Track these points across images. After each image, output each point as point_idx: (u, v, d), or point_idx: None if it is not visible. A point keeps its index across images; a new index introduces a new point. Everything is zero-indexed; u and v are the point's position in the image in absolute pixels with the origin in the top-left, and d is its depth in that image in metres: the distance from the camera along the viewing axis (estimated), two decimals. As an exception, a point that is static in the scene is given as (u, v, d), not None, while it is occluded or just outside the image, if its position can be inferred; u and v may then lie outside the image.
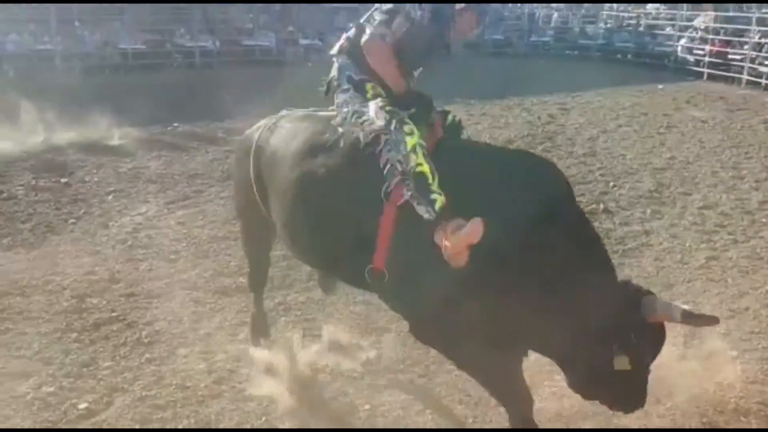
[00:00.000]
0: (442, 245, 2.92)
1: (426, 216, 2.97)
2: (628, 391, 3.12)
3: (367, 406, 3.95)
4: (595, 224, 6.61)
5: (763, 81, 16.58)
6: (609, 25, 23.54)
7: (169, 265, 5.81)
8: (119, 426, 3.75)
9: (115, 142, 9.82)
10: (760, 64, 17.21)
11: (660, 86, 16.43)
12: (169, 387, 4.08)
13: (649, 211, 7.30)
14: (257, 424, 3.78)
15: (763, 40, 17.96)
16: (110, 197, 7.55)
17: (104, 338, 4.63)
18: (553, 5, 25.92)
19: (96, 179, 8.24)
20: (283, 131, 3.70)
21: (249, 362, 4.31)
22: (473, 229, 2.82)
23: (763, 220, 7.08)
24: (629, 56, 21.49)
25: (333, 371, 4.27)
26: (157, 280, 5.49)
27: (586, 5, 26.58)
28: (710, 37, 19.51)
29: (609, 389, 3.12)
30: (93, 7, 18.07)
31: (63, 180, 8.15)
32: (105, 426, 3.75)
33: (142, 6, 18.91)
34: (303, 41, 19.83)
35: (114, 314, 4.93)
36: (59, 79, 14.06)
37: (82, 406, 3.89)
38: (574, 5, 25.54)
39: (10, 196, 7.56)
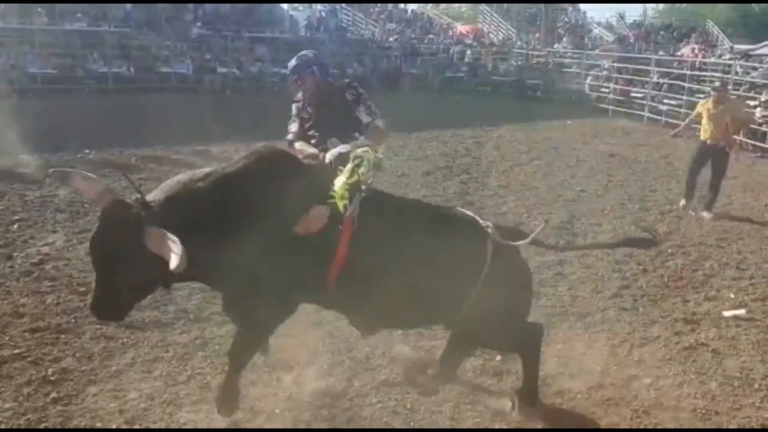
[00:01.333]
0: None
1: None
2: None
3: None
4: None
5: (663, 118, 17.57)
6: (520, 63, 24.43)
7: (78, 297, 5.51)
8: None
9: (21, 169, 9.34)
10: (660, 102, 18.27)
11: (569, 122, 17.14)
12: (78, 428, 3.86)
13: (561, 241, 7.53)
14: None
15: (661, 80, 19.10)
16: (15, 226, 7.16)
17: (6, 377, 4.34)
18: (467, 42, 26.79)
19: (0, 207, 7.79)
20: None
21: (160, 401, 4.15)
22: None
23: (669, 250, 7.43)
24: (539, 93, 22.33)
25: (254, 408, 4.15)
26: (65, 314, 5.21)
27: (497, 43, 27.63)
28: (615, 76, 20.58)
29: None
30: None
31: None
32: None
33: (53, 30, 18.28)
34: (221, 69, 19.60)
35: (17, 351, 4.63)
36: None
37: None
38: (485, 44, 26.49)
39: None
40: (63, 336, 4.89)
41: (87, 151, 10.82)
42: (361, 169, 3.74)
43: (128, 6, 20.46)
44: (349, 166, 3.76)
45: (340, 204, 3.60)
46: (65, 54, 18.00)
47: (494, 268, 3.74)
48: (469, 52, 24.98)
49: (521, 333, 4.02)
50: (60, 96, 16.04)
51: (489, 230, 3.89)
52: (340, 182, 3.69)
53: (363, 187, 3.75)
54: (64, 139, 10.67)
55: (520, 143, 13.89)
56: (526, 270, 4.08)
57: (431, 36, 28.09)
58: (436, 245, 3.67)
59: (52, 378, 4.35)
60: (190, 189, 3.43)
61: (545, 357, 4.77)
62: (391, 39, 25.69)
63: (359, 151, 3.84)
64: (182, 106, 14.67)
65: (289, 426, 4.00)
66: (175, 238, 3.05)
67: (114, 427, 3.91)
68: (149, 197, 3.38)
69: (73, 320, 5.13)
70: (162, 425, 3.94)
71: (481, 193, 9.55)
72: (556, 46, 28.06)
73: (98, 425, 3.89)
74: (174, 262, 2.99)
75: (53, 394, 4.18)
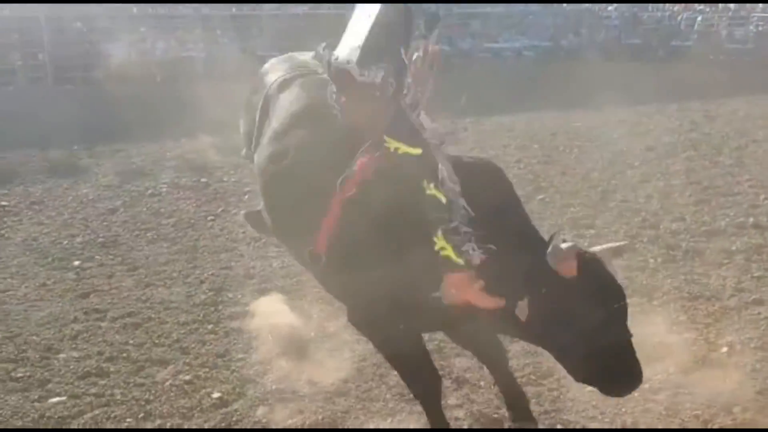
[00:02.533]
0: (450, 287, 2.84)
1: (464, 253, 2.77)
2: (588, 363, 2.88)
3: (494, 416, 3.84)
4: (743, 239, 6.28)
5: None
6: (761, 28, 21.93)
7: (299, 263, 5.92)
8: (249, 417, 3.85)
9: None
10: None
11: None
12: (298, 382, 4.14)
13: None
14: (383, 425, 3.76)
15: None
16: (246, 197, 7.85)
17: (238, 331, 4.79)
18: (698, 6, 24.54)
19: (234, 179, 8.58)
20: (292, 92, 3.69)
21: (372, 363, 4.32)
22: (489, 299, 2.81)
23: None
24: (784, 61, 19.93)
25: (458, 378, 4.18)
26: (289, 278, 5.60)
27: (732, 6, 25.00)
28: None
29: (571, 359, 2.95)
30: None
31: (203, 180, 8.56)
32: (236, 417, 3.85)
33: (279, 14, 19.62)
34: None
35: (248, 308, 5.08)
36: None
37: (216, 395, 4.03)
38: (720, 6, 24.07)
39: (155, 193, 8.02)
40: (286, 297, 5.27)
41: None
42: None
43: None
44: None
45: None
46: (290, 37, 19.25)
47: None
48: (699, 18, 22.90)
49: None
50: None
51: None
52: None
53: None
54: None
55: (757, 117, 12.49)
56: None
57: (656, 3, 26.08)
58: None
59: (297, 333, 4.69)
60: None
61: None
62: (609, 8, 24.26)
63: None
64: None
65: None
66: None
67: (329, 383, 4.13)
68: None
69: (295, 283, 5.51)
70: (373, 385, 4.10)
71: (709, 171, 8.75)
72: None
73: (316, 381, 4.15)
74: None
75: (277, 350, 4.52)
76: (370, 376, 4.22)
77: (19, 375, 4.24)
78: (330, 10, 20.10)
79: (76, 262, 6.03)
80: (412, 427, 3.74)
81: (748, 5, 24.24)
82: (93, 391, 4.07)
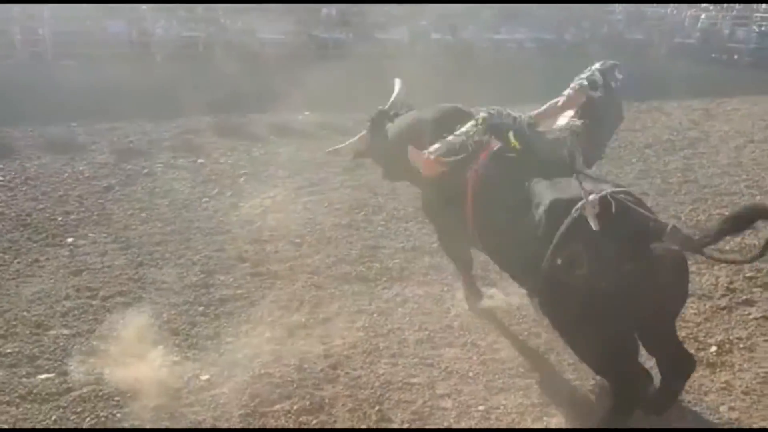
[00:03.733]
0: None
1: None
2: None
3: (481, 407, 3.85)
4: (737, 239, 6.28)
5: None
6: (763, 29, 21.87)
7: (293, 248, 5.93)
8: (237, 400, 3.85)
9: (251, 127, 10.18)
10: None
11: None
12: (287, 367, 4.15)
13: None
14: (370, 413, 3.76)
15: None
16: (242, 179, 7.82)
17: (228, 314, 4.79)
18: (701, 5, 24.45)
19: (230, 161, 8.56)
20: None
21: (362, 351, 4.34)
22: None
23: None
24: (785, 62, 19.87)
25: (447, 368, 4.19)
26: (282, 263, 5.61)
27: (737, 6, 24.91)
28: None
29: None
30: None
31: (199, 160, 8.53)
32: (224, 399, 3.86)
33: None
34: (435, 35, 19.81)
35: (239, 292, 5.09)
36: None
37: (204, 377, 4.04)
38: (725, 6, 23.98)
39: (150, 173, 7.99)
40: (278, 282, 5.27)
41: (306, 113, 11.46)
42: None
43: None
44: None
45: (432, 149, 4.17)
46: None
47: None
48: (703, 16, 22.81)
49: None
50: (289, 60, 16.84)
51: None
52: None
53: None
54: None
55: (757, 118, 12.46)
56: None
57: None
58: None
59: (268, 319, 4.72)
60: None
61: (771, 353, 4.35)
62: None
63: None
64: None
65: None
66: None
67: (319, 369, 4.14)
68: None
69: (288, 268, 5.51)
70: (362, 373, 4.11)
71: (706, 170, 8.74)
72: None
73: (305, 366, 4.15)
74: None
75: (267, 334, 4.53)
76: (359, 364, 4.22)
77: (8, 350, 4.24)
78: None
79: (70, 239, 6.01)
80: (399, 415, 3.76)
81: (753, 5, 24.19)
82: (82, 369, 4.07)
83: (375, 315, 4.83)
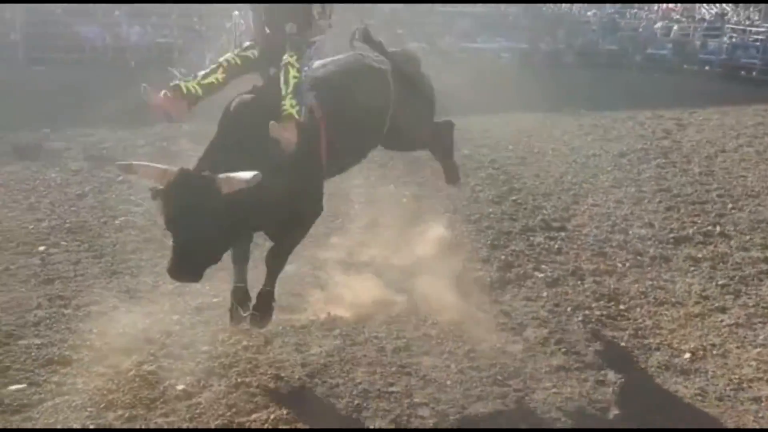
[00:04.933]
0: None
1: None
2: None
3: (458, 416, 3.85)
4: (710, 247, 6.39)
5: None
6: (734, 40, 22.27)
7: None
8: (214, 410, 3.81)
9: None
10: None
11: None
12: (264, 376, 4.12)
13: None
14: (349, 422, 3.75)
15: None
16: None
17: (204, 323, 4.74)
18: (675, 16, 24.87)
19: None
20: None
21: (339, 359, 4.32)
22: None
23: None
24: (754, 73, 20.24)
25: (425, 377, 4.19)
26: (257, 269, 5.53)
27: (708, 19, 25.36)
28: None
29: None
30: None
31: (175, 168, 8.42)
32: (200, 409, 3.81)
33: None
34: (412, 44, 19.86)
35: (215, 300, 5.03)
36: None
37: (180, 387, 3.98)
38: (695, 19, 24.42)
39: (125, 180, 7.85)
40: (253, 290, 5.21)
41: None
42: (292, 73, 4.03)
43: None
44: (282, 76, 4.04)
45: (293, 111, 3.96)
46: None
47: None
48: (675, 27, 23.18)
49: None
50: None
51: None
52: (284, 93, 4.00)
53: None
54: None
55: (728, 128, 12.69)
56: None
57: (634, 10, 26.32)
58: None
59: (245, 328, 4.67)
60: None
61: (741, 360, 4.41)
62: (589, 13, 24.45)
63: (284, 57, 4.07)
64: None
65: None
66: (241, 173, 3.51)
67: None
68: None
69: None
70: (339, 382, 4.09)
71: (679, 179, 8.87)
72: (778, 21, 25.21)
73: (282, 375, 4.13)
74: (251, 179, 3.47)
75: (243, 342, 4.49)
76: (337, 373, 4.21)
77: (-22, 360, 4.15)
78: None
79: (42, 248, 5.91)
80: (378, 423, 3.75)
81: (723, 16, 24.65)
82: (54, 379, 4.01)
83: (352, 323, 4.81)
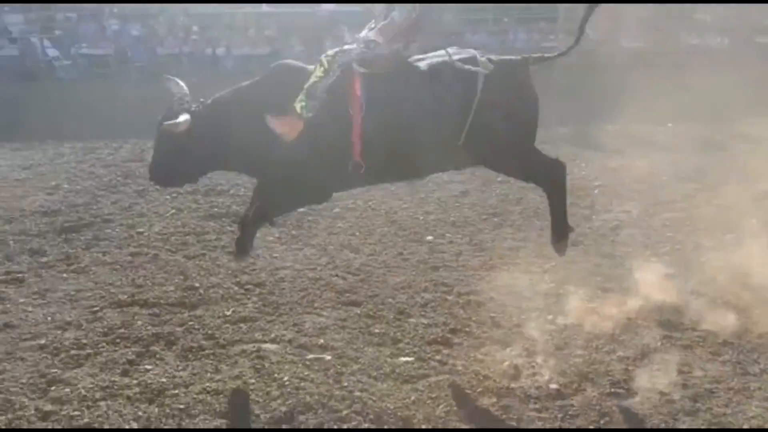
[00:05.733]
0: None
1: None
2: None
3: None
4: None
5: None
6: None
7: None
8: (586, 414, 3.73)
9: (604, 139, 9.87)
10: None
11: None
12: (642, 390, 3.93)
13: None
14: None
15: None
16: (596, 191, 7.63)
17: (577, 326, 4.69)
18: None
19: (583, 173, 8.36)
20: None
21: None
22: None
23: None
24: None
25: None
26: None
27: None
28: None
29: None
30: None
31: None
32: (572, 411, 3.77)
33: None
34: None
35: (590, 306, 4.92)
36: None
37: (554, 386, 4.00)
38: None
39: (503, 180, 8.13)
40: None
41: (669, 124, 10.73)
42: (318, 72, 4.09)
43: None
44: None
45: (298, 107, 4.04)
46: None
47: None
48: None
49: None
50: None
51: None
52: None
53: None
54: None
55: None
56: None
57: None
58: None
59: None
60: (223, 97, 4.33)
61: None
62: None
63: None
64: None
65: None
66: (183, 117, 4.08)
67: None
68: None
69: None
70: (727, 411, 3.68)
71: None
72: None
73: (666, 392, 3.91)
74: (181, 124, 4.06)
75: (619, 353, 4.34)
76: (724, 402, 3.82)
77: (376, 330, 4.67)
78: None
79: (429, 237, 6.44)
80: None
81: None
82: (437, 357, 4.32)
83: (744, 350, 4.30)
